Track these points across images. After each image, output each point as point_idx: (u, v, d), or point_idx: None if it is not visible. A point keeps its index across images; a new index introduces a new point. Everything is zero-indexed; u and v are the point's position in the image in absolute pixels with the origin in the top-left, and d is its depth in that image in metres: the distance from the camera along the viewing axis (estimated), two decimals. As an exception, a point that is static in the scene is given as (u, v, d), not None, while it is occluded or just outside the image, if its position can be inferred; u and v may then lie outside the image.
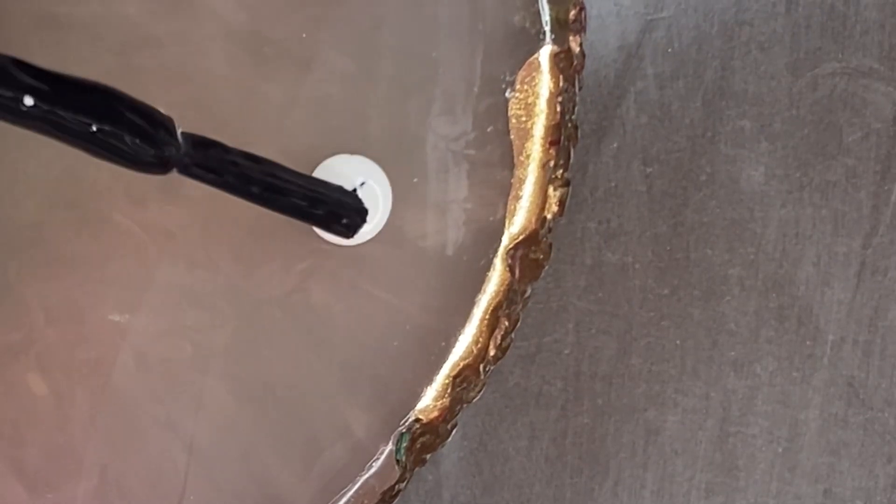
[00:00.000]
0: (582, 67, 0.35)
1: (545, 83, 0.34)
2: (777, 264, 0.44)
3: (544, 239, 0.35)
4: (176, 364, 0.34)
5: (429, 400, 0.35)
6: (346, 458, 0.35)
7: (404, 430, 0.35)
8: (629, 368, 0.44)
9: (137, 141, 0.30)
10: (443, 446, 0.35)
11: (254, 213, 0.34)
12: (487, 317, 0.35)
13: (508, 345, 0.35)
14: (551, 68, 0.34)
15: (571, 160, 0.35)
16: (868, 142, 0.44)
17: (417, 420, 0.35)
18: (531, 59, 0.35)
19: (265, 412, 0.35)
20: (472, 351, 0.35)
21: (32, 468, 0.34)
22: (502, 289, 0.35)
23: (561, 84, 0.34)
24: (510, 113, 0.35)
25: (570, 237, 0.44)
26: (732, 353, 0.44)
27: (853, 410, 0.44)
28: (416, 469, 0.35)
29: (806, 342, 0.44)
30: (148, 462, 0.34)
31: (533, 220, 0.35)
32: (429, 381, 0.35)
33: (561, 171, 0.35)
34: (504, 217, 0.35)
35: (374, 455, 0.35)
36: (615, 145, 0.44)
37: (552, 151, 0.35)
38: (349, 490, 0.35)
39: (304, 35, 0.34)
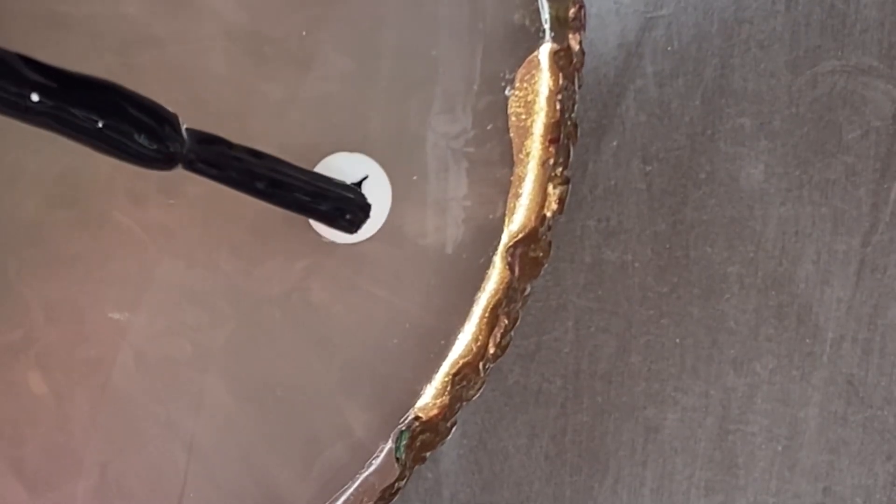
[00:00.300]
0: (581, 65, 0.35)
1: (545, 81, 0.34)
2: (777, 262, 0.44)
3: (544, 237, 0.35)
4: (176, 363, 0.34)
5: (428, 398, 0.35)
6: (346, 456, 0.35)
7: (404, 428, 0.35)
8: (629, 366, 0.44)
9: (143, 137, 0.30)
10: (442, 444, 0.35)
11: (254, 212, 0.34)
12: (487, 315, 0.35)
13: (508, 343, 0.35)
14: (551, 66, 0.34)
15: (571, 158, 0.35)
16: (867, 140, 0.44)
17: (417, 418, 0.35)
18: (531, 57, 0.35)
19: (265, 411, 0.35)
20: (472, 349, 0.35)
21: (32, 468, 0.34)
22: (502, 287, 0.35)
23: (560, 82, 0.34)
24: (510, 111, 0.35)
25: (570, 235, 0.44)
26: (732, 352, 0.44)
27: (853, 408, 0.44)
28: (416, 467, 0.35)
29: (805, 340, 0.44)
30: (148, 462, 0.34)
31: (532, 218, 0.35)
32: (428, 379, 0.35)
33: (560, 169, 0.35)
34: (504, 215, 0.35)
35: (374, 453, 0.35)
36: (615, 143, 0.44)
37: (552, 149, 0.35)
38: (349, 488, 0.35)
39: (304, 34, 0.34)
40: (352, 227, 0.34)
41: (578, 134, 0.35)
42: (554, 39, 0.35)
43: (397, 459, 0.35)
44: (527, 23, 0.35)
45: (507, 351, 0.35)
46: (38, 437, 0.34)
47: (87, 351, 0.34)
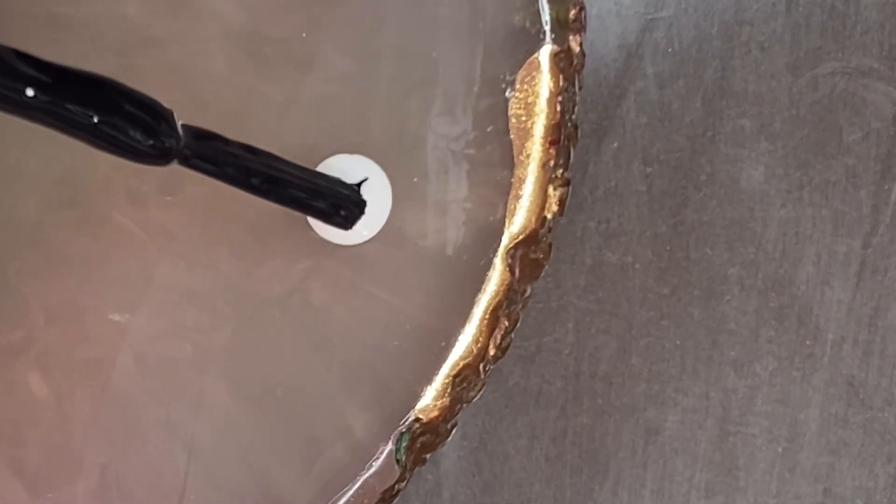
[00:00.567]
0: (582, 67, 0.35)
1: (545, 83, 0.34)
2: (777, 264, 0.44)
3: (544, 238, 0.35)
4: (176, 364, 0.34)
5: (429, 399, 0.35)
6: (346, 457, 0.35)
7: (404, 430, 0.35)
8: (629, 368, 0.44)
9: (138, 132, 0.30)
10: (443, 446, 0.35)
11: (254, 212, 0.34)
12: (487, 316, 0.35)
13: (508, 344, 0.35)
14: (551, 68, 0.34)
15: (571, 160, 0.35)
16: (868, 141, 0.44)
17: (417, 419, 0.35)
18: (531, 58, 0.35)
19: (265, 412, 0.35)
20: (472, 350, 0.35)
21: (32, 468, 0.34)
22: (502, 288, 0.35)
23: (561, 83, 0.34)
24: (510, 112, 0.35)
25: (570, 237, 0.44)
26: (732, 353, 0.44)
27: (853, 410, 0.44)
28: (416, 468, 0.35)
29: (806, 342, 0.44)
30: (148, 462, 0.34)
31: (533, 219, 0.35)
32: (428, 380, 0.35)
33: (561, 170, 0.35)
34: (504, 217, 0.35)
35: (374, 455, 0.35)
36: (615, 145, 0.44)
37: (552, 151, 0.35)
38: (349, 490, 0.35)
39: (304, 35, 0.34)
40: (347, 223, 0.34)
41: (579, 135, 0.35)
42: (554, 41, 0.35)
43: (397, 461, 0.35)
44: (527, 24, 0.35)
45: (508, 352, 0.35)
46: (39, 438, 0.34)
47: (88, 351, 0.34)
